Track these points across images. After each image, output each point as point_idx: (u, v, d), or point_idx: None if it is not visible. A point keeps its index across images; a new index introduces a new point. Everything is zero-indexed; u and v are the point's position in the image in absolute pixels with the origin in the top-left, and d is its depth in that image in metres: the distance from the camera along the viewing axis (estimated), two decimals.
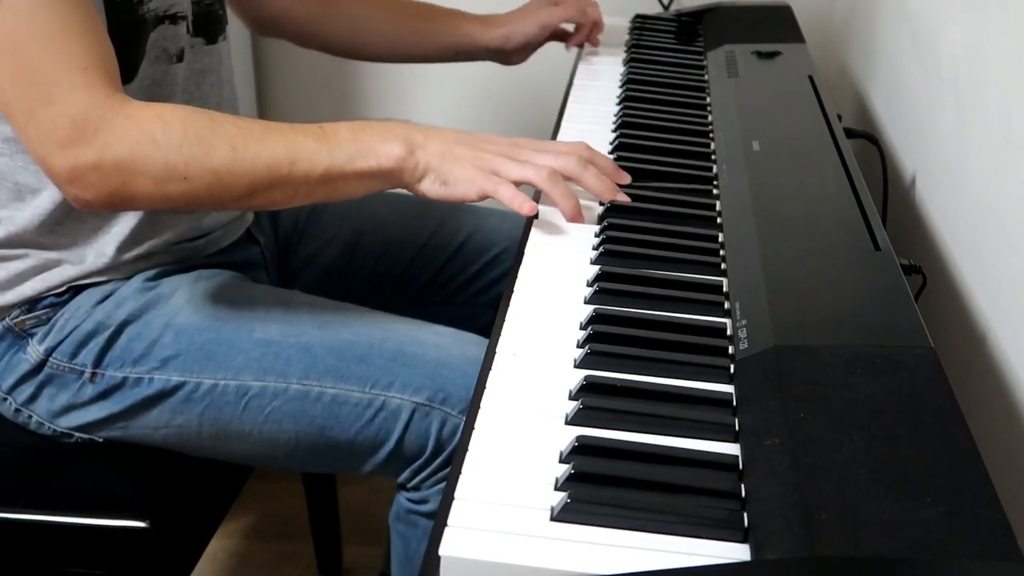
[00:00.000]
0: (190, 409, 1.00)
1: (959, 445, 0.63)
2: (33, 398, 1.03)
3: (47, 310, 1.03)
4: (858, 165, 1.01)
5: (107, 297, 1.03)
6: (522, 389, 0.73)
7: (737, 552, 0.60)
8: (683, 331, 0.79)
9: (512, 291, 0.85)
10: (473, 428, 0.69)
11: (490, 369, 0.74)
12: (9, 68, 0.86)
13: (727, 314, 0.82)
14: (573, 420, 0.69)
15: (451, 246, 1.26)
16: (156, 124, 0.88)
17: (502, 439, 0.68)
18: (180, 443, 1.03)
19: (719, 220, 0.97)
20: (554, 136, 1.17)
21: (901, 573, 0.56)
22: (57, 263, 1.03)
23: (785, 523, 0.58)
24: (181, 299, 1.03)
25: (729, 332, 0.79)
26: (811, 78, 1.24)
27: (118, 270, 1.04)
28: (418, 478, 1.00)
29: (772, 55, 1.32)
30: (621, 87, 1.30)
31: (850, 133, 1.18)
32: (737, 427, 0.69)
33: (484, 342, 0.98)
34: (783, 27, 1.45)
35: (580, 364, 0.75)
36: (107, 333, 1.00)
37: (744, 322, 0.78)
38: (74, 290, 1.03)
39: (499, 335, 0.79)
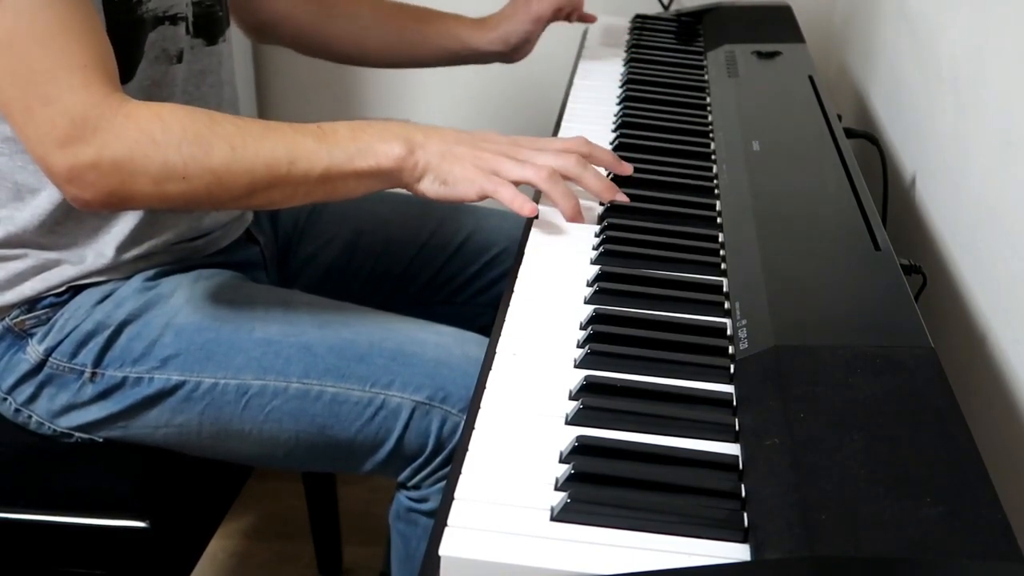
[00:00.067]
0: (190, 408, 1.00)
1: (959, 445, 0.63)
2: (33, 398, 1.03)
3: (47, 310, 1.03)
4: (858, 165, 1.01)
5: (107, 297, 1.03)
6: (522, 389, 0.73)
7: (737, 552, 0.60)
8: (683, 331, 0.79)
9: (512, 291, 0.85)
10: (473, 428, 0.69)
11: (490, 369, 0.74)
12: (8, 67, 0.86)
13: (727, 314, 0.82)
14: (573, 420, 0.69)
15: (451, 246, 1.26)
16: (155, 123, 0.88)
17: (502, 439, 0.68)
18: (180, 442, 1.03)
19: (719, 220, 0.97)
20: (554, 136, 1.17)
21: (901, 573, 0.56)
22: (57, 263, 1.03)
23: (785, 523, 0.58)
24: (181, 299, 1.03)
25: (729, 332, 0.79)
26: (811, 78, 1.24)
27: (118, 270, 1.04)
28: (418, 477, 1.00)
29: (772, 55, 1.32)
30: (621, 87, 1.30)
31: (850, 133, 1.18)
32: (737, 427, 0.69)
33: (484, 341, 0.99)
34: (783, 27, 1.45)
35: (580, 364, 0.76)
36: (107, 333, 1.00)
37: (744, 322, 0.78)
38: (74, 290, 1.03)
39: (499, 335, 0.79)
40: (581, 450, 0.66)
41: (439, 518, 0.61)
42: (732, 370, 0.75)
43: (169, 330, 1.00)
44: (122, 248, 1.03)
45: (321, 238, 1.26)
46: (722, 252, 0.91)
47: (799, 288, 0.81)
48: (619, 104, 1.25)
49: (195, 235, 1.10)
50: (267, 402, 0.99)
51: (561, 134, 1.17)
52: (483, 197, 0.94)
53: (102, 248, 1.03)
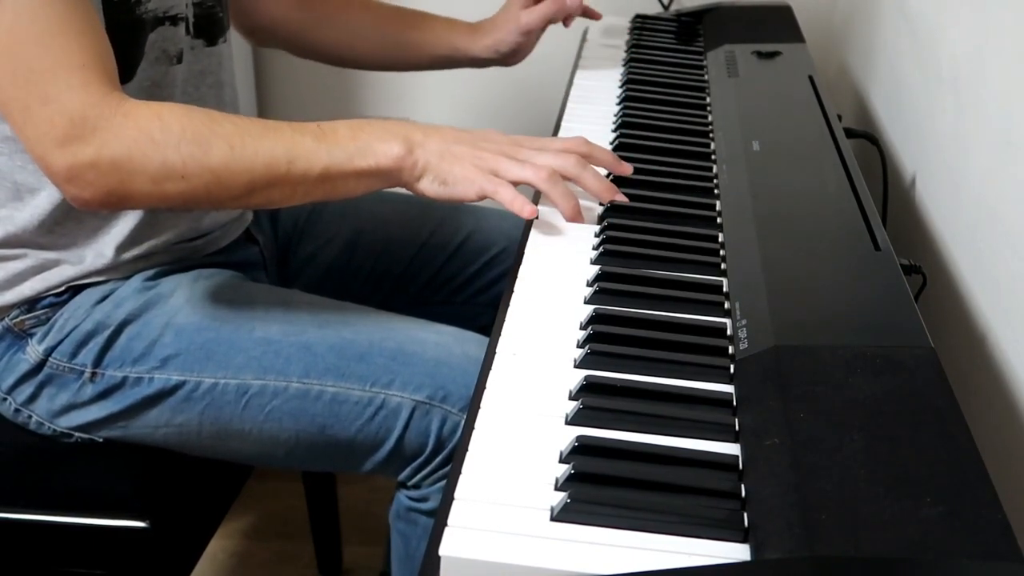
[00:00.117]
0: (190, 408, 1.00)
1: (959, 445, 0.63)
2: (33, 398, 1.03)
3: (46, 310, 1.03)
4: (858, 165, 1.01)
5: (106, 297, 1.03)
6: (522, 389, 0.73)
7: (737, 552, 0.60)
8: (683, 331, 0.79)
9: (512, 291, 0.85)
10: (473, 428, 0.69)
11: (490, 369, 0.74)
12: (7, 67, 0.86)
13: (727, 314, 0.82)
14: (573, 420, 0.69)
15: (451, 245, 1.26)
16: (154, 123, 0.88)
17: (502, 439, 0.68)
18: (180, 442, 1.03)
19: (719, 220, 0.97)
20: (554, 136, 1.17)
21: (901, 573, 0.56)
22: (56, 263, 1.03)
23: (785, 523, 0.58)
24: (181, 298, 1.03)
25: (729, 332, 0.79)
26: (811, 78, 1.24)
27: (117, 270, 1.04)
28: (418, 476, 1.00)
29: (772, 55, 1.32)
30: (621, 87, 1.30)
31: (850, 133, 1.18)
32: (737, 427, 0.69)
33: (484, 341, 0.98)
34: (783, 27, 1.45)
35: (580, 364, 0.75)
36: (107, 333, 1.00)
37: (744, 322, 0.78)
38: (73, 290, 1.03)
39: (499, 335, 0.79)
40: (581, 450, 0.66)
41: (439, 518, 0.61)
42: (732, 370, 0.75)
43: (169, 330, 1.00)
44: (121, 248, 1.03)
45: (321, 238, 1.26)
46: (722, 252, 0.91)
47: (799, 288, 0.81)
48: (619, 104, 1.25)
49: (195, 235, 1.10)
50: (267, 402, 0.99)
51: (561, 134, 1.17)
52: (482, 197, 0.94)
53: (102, 248, 1.03)
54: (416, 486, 1.01)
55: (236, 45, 1.20)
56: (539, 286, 0.86)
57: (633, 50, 1.42)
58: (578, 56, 1.42)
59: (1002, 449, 0.87)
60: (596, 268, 0.88)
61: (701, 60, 1.39)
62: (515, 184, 0.94)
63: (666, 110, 1.22)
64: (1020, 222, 0.89)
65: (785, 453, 0.63)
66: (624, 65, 1.38)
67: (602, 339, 0.78)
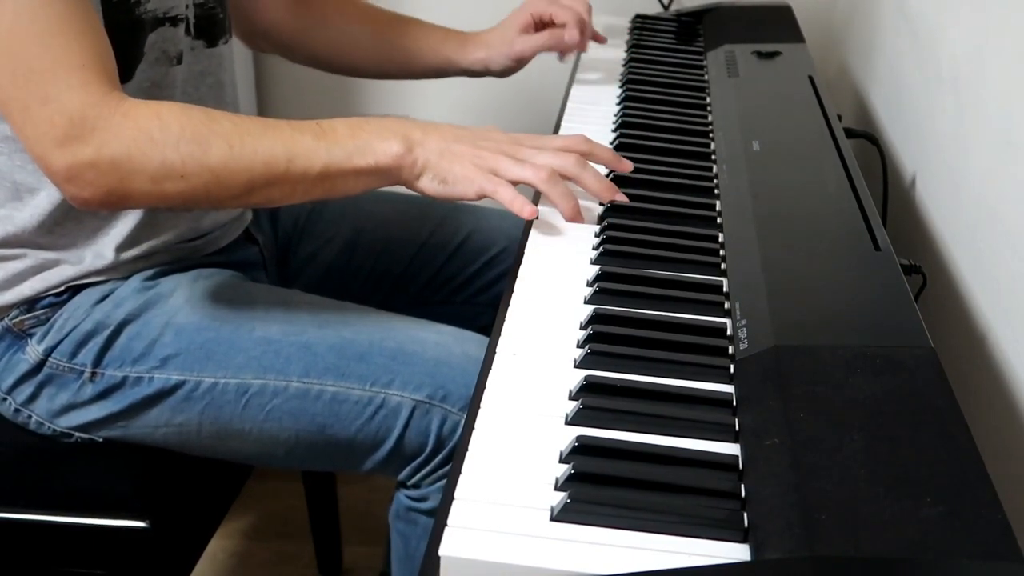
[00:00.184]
0: (190, 408, 1.00)
1: (959, 445, 0.63)
2: (33, 398, 1.03)
3: (46, 310, 1.03)
4: (858, 165, 1.01)
5: (106, 297, 1.03)
6: (522, 389, 0.73)
7: (737, 552, 0.60)
8: (683, 331, 0.79)
9: (512, 291, 0.85)
10: (473, 428, 0.69)
11: (490, 369, 0.74)
12: (7, 66, 0.86)
13: (727, 314, 0.82)
14: (573, 420, 0.69)
15: (451, 245, 1.26)
16: (153, 122, 0.88)
17: (502, 439, 0.68)
18: (180, 442, 1.03)
19: (719, 220, 0.97)
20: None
21: (901, 573, 0.56)
22: (56, 263, 1.03)
23: (785, 523, 0.58)
24: (180, 298, 1.03)
25: (729, 332, 0.79)
26: (811, 78, 1.24)
27: (117, 270, 1.04)
28: (418, 476, 1.00)
29: (772, 55, 1.32)
30: (621, 87, 1.30)
31: (850, 133, 1.18)
32: (737, 427, 0.69)
33: (484, 340, 0.98)
34: (783, 27, 1.45)
35: (580, 364, 0.75)
36: (106, 333, 1.00)
37: (744, 322, 0.78)
38: (73, 290, 1.03)
39: (499, 335, 0.79)
40: (581, 450, 0.66)
41: (439, 518, 0.61)
42: (732, 370, 0.75)
43: (169, 330, 1.00)
44: (121, 248, 1.03)
45: (321, 237, 1.26)
46: (722, 252, 0.91)
47: (799, 288, 0.81)
48: (619, 104, 1.25)
49: (194, 235, 1.10)
50: (267, 401, 0.99)
51: (561, 134, 1.16)
52: (482, 196, 0.94)
53: (101, 249, 1.03)
54: (416, 486, 1.01)
55: (237, 45, 1.20)
56: (539, 286, 0.86)
57: (633, 50, 1.42)
58: (578, 56, 1.42)
59: (1002, 449, 0.87)
60: (596, 268, 0.88)
61: (701, 60, 1.39)
62: (514, 183, 0.94)
63: (666, 110, 1.22)
64: (1020, 222, 0.89)
65: (785, 453, 0.63)
66: (624, 65, 1.38)
67: (602, 339, 0.78)
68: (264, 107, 1.88)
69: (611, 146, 1.12)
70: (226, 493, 1.17)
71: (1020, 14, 0.94)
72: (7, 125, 0.94)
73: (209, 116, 0.90)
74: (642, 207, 0.98)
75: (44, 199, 1.00)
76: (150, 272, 1.05)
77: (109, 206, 0.92)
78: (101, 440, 1.04)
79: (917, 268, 0.92)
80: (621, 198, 0.97)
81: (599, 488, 0.63)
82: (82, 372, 1.01)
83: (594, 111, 1.23)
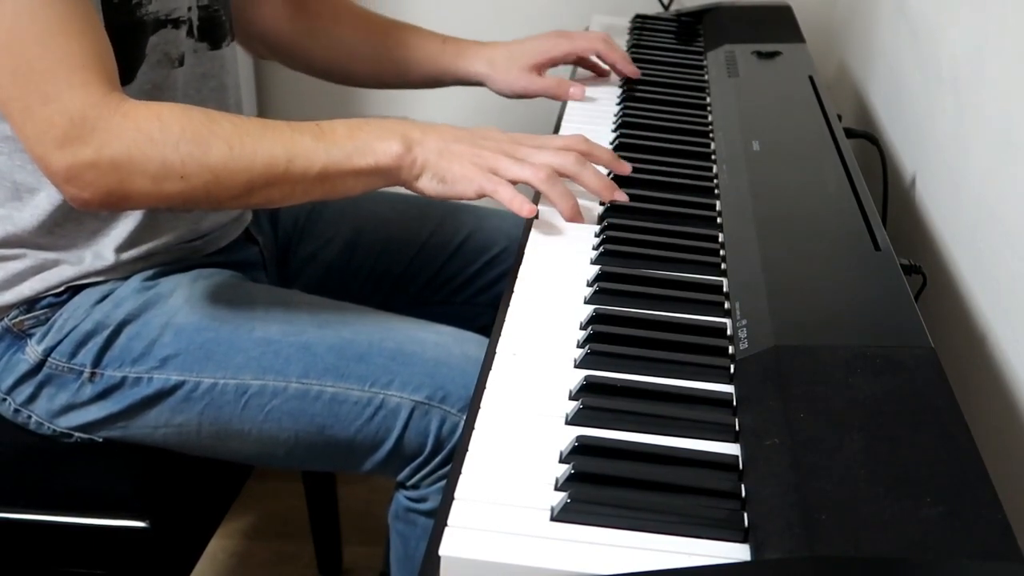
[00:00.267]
0: (190, 408, 1.00)
1: (959, 445, 0.63)
2: (32, 398, 1.03)
3: (46, 310, 1.03)
4: (858, 165, 1.01)
5: (106, 297, 1.03)
6: (522, 389, 0.73)
7: (737, 552, 0.60)
8: (683, 331, 0.79)
9: (512, 291, 0.85)
10: (473, 428, 0.69)
11: (490, 369, 0.74)
12: (7, 66, 0.86)
13: (727, 314, 0.82)
14: (573, 420, 0.69)
15: (451, 245, 1.26)
16: (153, 123, 0.88)
17: (502, 439, 0.68)
18: (180, 442, 1.03)
19: (719, 220, 0.97)
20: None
21: (901, 573, 0.56)
22: (55, 263, 1.03)
23: (785, 523, 0.58)
24: (180, 298, 1.03)
25: (729, 332, 0.79)
26: (811, 78, 1.24)
27: (116, 270, 1.04)
28: (417, 476, 1.00)
29: (772, 55, 1.32)
30: (621, 87, 1.30)
31: (850, 133, 1.18)
32: (737, 427, 0.69)
33: (484, 341, 0.98)
34: (783, 27, 1.45)
35: (580, 364, 0.75)
36: (106, 333, 1.00)
37: (744, 322, 0.78)
38: (72, 290, 1.03)
39: (499, 335, 0.79)
40: (581, 450, 0.66)
41: (439, 518, 0.61)
42: (732, 370, 0.75)
43: (168, 330, 1.00)
44: (121, 249, 1.03)
45: (321, 237, 1.26)
46: (722, 252, 0.91)
47: (799, 288, 0.81)
48: (619, 104, 1.25)
49: (194, 236, 1.10)
50: (266, 402, 0.99)
51: (561, 134, 1.16)
52: (481, 196, 0.94)
53: (101, 249, 1.03)
54: (415, 486, 1.01)
55: (238, 49, 1.20)
56: (539, 286, 0.86)
57: (633, 50, 1.42)
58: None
59: (1002, 449, 0.87)
60: (596, 268, 0.88)
61: (701, 60, 1.39)
62: (514, 183, 0.94)
63: (666, 110, 1.22)
64: (1020, 222, 0.89)
65: (785, 453, 0.63)
66: None
67: (602, 339, 0.78)
68: (264, 109, 1.88)
69: (611, 146, 1.12)
70: (226, 493, 1.17)
71: (1020, 14, 0.94)
72: (7, 125, 0.94)
73: (209, 117, 0.90)
74: (642, 207, 0.98)
75: (44, 199, 1.00)
76: (150, 272, 1.05)
77: (109, 207, 0.92)
78: (101, 440, 1.04)
79: (917, 268, 0.92)
80: (621, 196, 0.97)
81: (599, 488, 0.63)
82: (81, 372, 1.01)
83: (594, 111, 1.23)
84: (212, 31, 1.09)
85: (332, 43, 1.28)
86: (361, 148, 0.92)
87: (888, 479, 0.60)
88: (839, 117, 1.15)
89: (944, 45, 1.16)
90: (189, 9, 1.05)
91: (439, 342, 1.01)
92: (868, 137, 1.26)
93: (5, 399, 1.04)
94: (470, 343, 1.01)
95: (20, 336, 1.03)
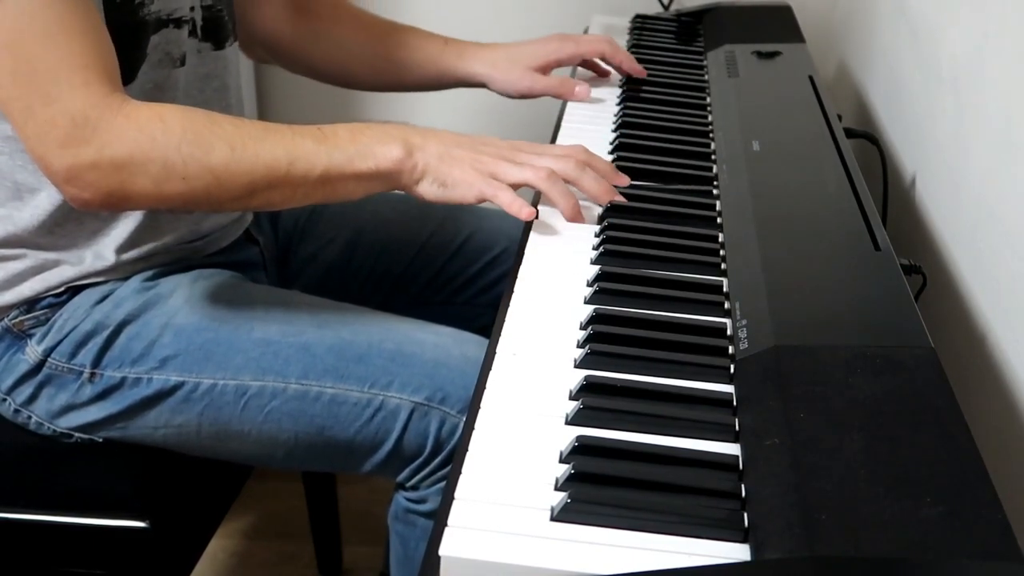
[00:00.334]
0: (189, 409, 1.00)
1: (959, 445, 0.63)
2: (32, 398, 1.03)
3: (46, 311, 1.03)
4: (858, 165, 1.01)
5: (106, 297, 1.03)
6: (522, 389, 0.73)
7: (737, 552, 0.60)
8: (683, 331, 0.79)
9: (512, 291, 0.85)
10: (473, 428, 0.69)
11: (490, 369, 0.74)
12: (9, 66, 0.86)
13: (727, 314, 0.82)
14: (573, 420, 0.69)
15: (451, 246, 1.26)
16: (155, 124, 0.88)
17: (502, 439, 0.68)
18: (180, 443, 1.03)
19: (719, 220, 0.97)
20: (554, 136, 1.17)
21: (901, 573, 0.56)
22: (56, 264, 1.03)
23: (785, 523, 0.58)
24: (180, 299, 1.03)
25: (729, 332, 0.79)
26: (811, 78, 1.24)
27: (117, 271, 1.04)
28: (417, 478, 1.00)
29: (772, 55, 1.32)
30: (621, 87, 1.30)
31: (850, 133, 1.18)
32: (737, 427, 0.69)
33: (483, 342, 0.99)
34: (783, 27, 1.45)
35: (580, 364, 0.75)
36: (106, 333, 1.00)
37: (744, 322, 0.78)
38: (72, 290, 1.03)
39: (499, 335, 0.79)
40: (581, 450, 0.66)
41: (439, 518, 0.61)
42: (732, 370, 0.75)
43: (168, 330, 1.00)
44: (121, 250, 1.03)
45: (322, 238, 1.26)
46: (722, 252, 0.91)
47: (799, 288, 0.81)
48: (619, 104, 1.25)
49: (195, 237, 1.10)
50: (266, 403, 0.99)
51: (561, 133, 1.17)
52: (481, 200, 0.94)
53: (101, 250, 1.03)
54: (414, 488, 1.01)
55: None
56: (539, 286, 0.86)
57: (633, 50, 1.42)
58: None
59: (1002, 449, 0.87)
60: (596, 268, 0.88)
61: (701, 60, 1.39)
62: (515, 187, 0.94)
63: (666, 110, 1.22)
64: (1020, 222, 0.89)
65: (785, 453, 0.63)
66: None
67: (602, 339, 0.78)
68: (265, 112, 1.88)
69: (611, 146, 1.12)
70: (226, 493, 1.17)
71: (1020, 14, 0.94)
72: (8, 125, 0.94)
73: (211, 119, 0.90)
74: (642, 207, 0.98)
75: (45, 199, 1.00)
76: (150, 273, 1.05)
77: (109, 207, 0.92)
78: (101, 440, 1.04)
79: (917, 268, 0.92)
80: (619, 198, 0.97)
81: (599, 488, 0.63)
82: (81, 373, 1.01)
83: (594, 111, 1.23)
84: (216, 31, 1.09)
85: (333, 45, 1.28)
86: (362, 152, 0.92)
87: (888, 479, 0.60)
88: (839, 117, 1.15)
89: (944, 45, 1.16)
90: (192, 9, 1.05)
91: (438, 343, 1.01)
92: (868, 137, 1.26)
93: (5, 399, 1.04)
94: (469, 344, 1.01)
95: (20, 336, 1.03)
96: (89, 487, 1.03)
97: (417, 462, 0.99)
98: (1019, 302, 0.88)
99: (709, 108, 1.23)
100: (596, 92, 1.28)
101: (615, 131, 1.16)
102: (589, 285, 0.86)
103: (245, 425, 1.00)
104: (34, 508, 1.01)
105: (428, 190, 0.94)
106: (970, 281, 1.00)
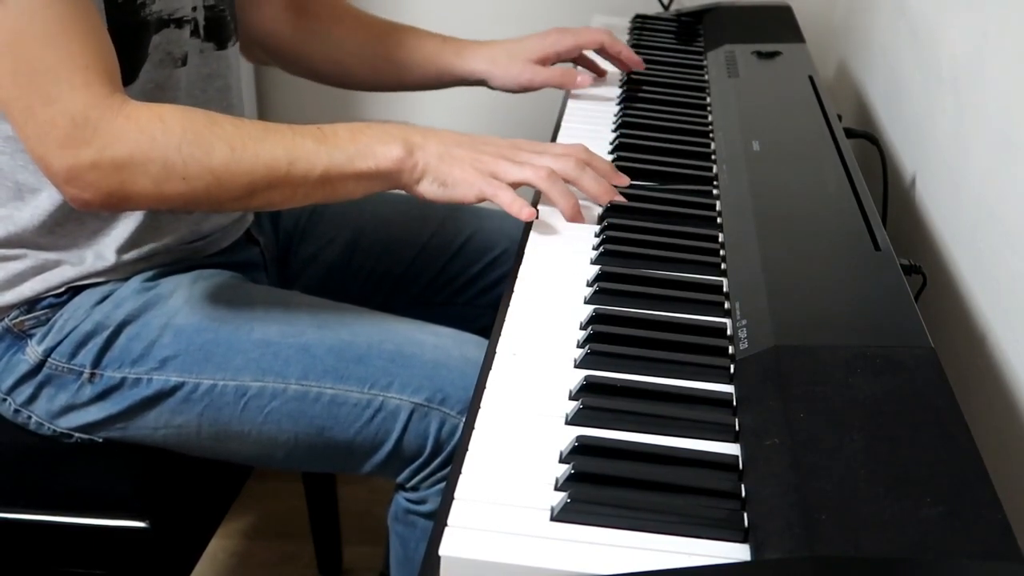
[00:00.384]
0: (189, 409, 1.00)
1: (959, 445, 0.63)
2: (32, 398, 1.03)
3: (46, 311, 1.03)
4: (858, 165, 1.01)
5: (106, 298, 1.03)
6: (522, 389, 0.73)
7: (737, 552, 0.60)
8: (683, 331, 0.79)
9: (512, 291, 0.85)
10: (473, 428, 0.69)
11: (490, 369, 0.74)
12: (9, 66, 0.86)
13: (727, 314, 0.82)
14: (573, 420, 0.69)
15: (452, 246, 1.26)
16: (155, 124, 0.88)
17: (502, 439, 0.68)
18: (180, 443, 1.03)
19: (719, 220, 0.97)
20: (554, 136, 1.17)
21: (901, 573, 0.56)
22: (56, 264, 1.03)
23: (785, 523, 0.58)
24: (180, 299, 1.03)
25: (729, 332, 0.79)
26: (811, 78, 1.24)
27: (117, 271, 1.04)
28: (417, 478, 1.00)
29: (772, 55, 1.32)
30: (621, 87, 1.30)
31: (850, 133, 1.18)
32: (737, 427, 0.69)
33: (483, 343, 0.99)
34: (783, 27, 1.45)
35: (580, 364, 0.75)
36: (106, 334, 1.00)
37: (744, 322, 0.78)
38: (73, 291, 1.03)
39: (499, 335, 0.79)
40: (581, 450, 0.66)
41: (439, 518, 0.61)
42: (732, 370, 0.75)
43: (168, 331, 1.00)
44: (122, 250, 1.03)
45: (322, 238, 1.26)
46: (722, 252, 0.91)
47: (799, 288, 0.81)
48: (619, 104, 1.25)
49: (195, 237, 1.10)
50: (266, 403, 0.99)
51: (561, 133, 1.17)
52: (481, 199, 0.94)
53: (102, 250, 1.03)
54: (414, 488, 1.01)
55: None
56: (539, 286, 0.86)
57: (633, 50, 1.42)
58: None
59: (1002, 449, 0.87)
60: (596, 268, 0.88)
61: (701, 60, 1.39)
62: (515, 186, 0.94)
63: (666, 110, 1.22)
64: (1020, 222, 0.89)
65: (785, 453, 0.63)
66: None
67: (602, 339, 0.78)
68: (265, 113, 1.88)
69: (611, 146, 1.12)
70: (226, 493, 1.17)
71: (1020, 14, 0.94)
72: (9, 125, 0.94)
73: (211, 119, 0.90)
74: (642, 207, 0.98)
75: (45, 199, 1.00)
76: (150, 273, 1.05)
77: (109, 207, 0.92)
78: (101, 440, 1.04)
79: (917, 268, 0.92)
80: (619, 198, 0.97)
81: (599, 488, 0.63)
82: (81, 373, 1.01)
83: (594, 111, 1.23)
84: (218, 31, 1.09)
85: (332, 46, 1.28)
86: (362, 151, 0.92)
87: (888, 479, 0.60)
88: (839, 117, 1.15)
89: (944, 45, 1.16)
90: (194, 9, 1.05)
91: (438, 344, 1.01)
92: (868, 137, 1.26)
93: (5, 399, 1.04)
94: (469, 345, 1.01)
95: (20, 336, 1.03)
96: (89, 487, 1.03)
97: (417, 463, 0.99)
98: (1019, 302, 0.88)
99: (709, 108, 1.23)
100: (596, 92, 1.28)
101: (615, 131, 1.16)
102: (589, 285, 0.86)
103: (245, 426, 1.00)
104: (34, 508, 1.01)
105: (428, 189, 0.94)
106: (970, 281, 1.00)
